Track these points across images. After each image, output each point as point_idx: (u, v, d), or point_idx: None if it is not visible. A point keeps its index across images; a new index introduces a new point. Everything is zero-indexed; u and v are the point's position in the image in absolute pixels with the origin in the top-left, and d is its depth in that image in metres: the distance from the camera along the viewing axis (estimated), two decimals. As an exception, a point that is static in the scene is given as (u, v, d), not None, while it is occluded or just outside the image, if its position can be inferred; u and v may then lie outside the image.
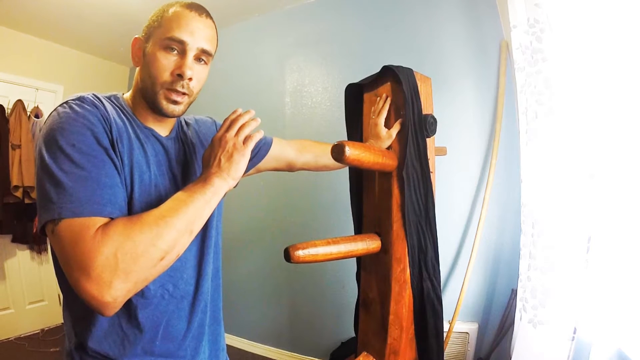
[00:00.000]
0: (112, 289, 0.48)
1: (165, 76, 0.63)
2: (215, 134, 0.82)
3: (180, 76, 0.63)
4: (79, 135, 0.55)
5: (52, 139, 0.53)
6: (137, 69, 0.69)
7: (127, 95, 0.71)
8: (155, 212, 0.55)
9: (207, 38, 0.66)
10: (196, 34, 0.64)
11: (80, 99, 0.59)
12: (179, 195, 0.58)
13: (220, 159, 0.62)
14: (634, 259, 0.96)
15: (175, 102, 0.65)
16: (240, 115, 0.66)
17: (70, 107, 0.57)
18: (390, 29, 2.04)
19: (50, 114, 0.58)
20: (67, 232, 0.49)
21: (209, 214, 0.60)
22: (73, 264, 0.48)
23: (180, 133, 0.77)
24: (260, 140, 0.93)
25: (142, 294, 0.63)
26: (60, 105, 0.58)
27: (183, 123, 0.81)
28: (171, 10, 0.65)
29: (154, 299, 0.65)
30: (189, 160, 0.75)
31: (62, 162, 0.52)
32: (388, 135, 0.90)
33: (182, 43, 0.63)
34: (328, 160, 1.05)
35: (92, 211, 0.51)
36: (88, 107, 0.58)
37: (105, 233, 0.50)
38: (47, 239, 0.54)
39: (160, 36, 0.63)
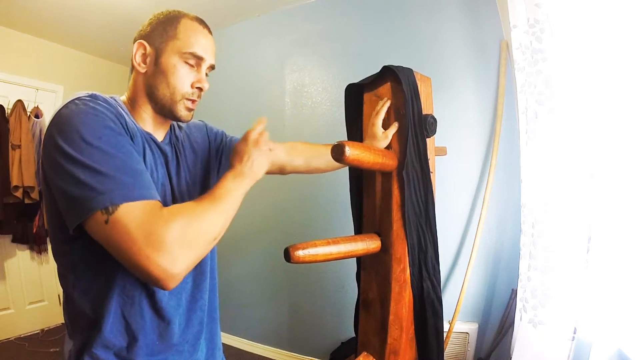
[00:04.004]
0: (180, 262, 0.51)
1: (186, 87, 0.70)
2: (206, 135, 0.89)
3: (200, 89, 0.71)
4: (103, 128, 0.56)
5: (76, 134, 0.53)
6: (139, 73, 0.70)
7: (123, 98, 0.72)
8: (207, 198, 0.60)
9: (215, 54, 0.74)
10: (209, 51, 0.71)
11: (93, 96, 0.60)
12: (221, 186, 0.64)
13: (254, 165, 0.69)
14: (634, 259, 0.96)
15: (190, 109, 0.72)
16: (263, 125, 0.76)
17: (85, 104, 0.57)
18: (390, 29, 2.04)
19: (60, 111, 0.57)
20: (131, 214, 0.51)
21: (239, 205, 0.66)
22: (142, 243, 0.50)
23: (173, 138, 0.79)
24: None
25: (146, 285, 0.65)
26: (72, 102, 0.57)
27: (175, 127, 0.82)
28: (185, 23, 0.69)
29: (158, 292, 0.66)
30: (181, 164, 0.78)
31: (92, 154, 0.53)
32: (384, 136, 0.91)
33: (200, 59, 0.70)
34: (320, 162, 1.04)
35: (143, 195, 0.54)
36: (103, 103, 0.60)
37: (171, 212, 0.54)
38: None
39: (179, 49, 0.68)
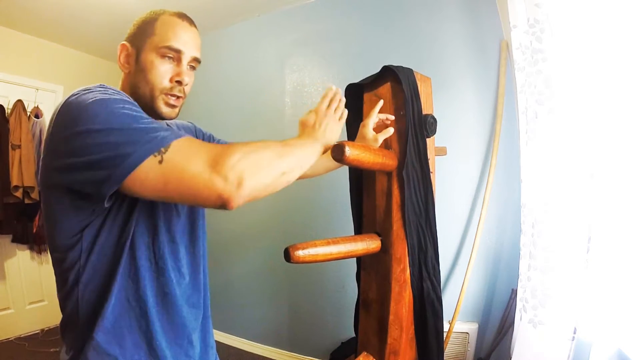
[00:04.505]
0: (244, 180, 0.52)
1: (165, 82, 0.68)
2: (194, 136, 0.88)
3: (179, 82, 0.69)
4: (122, 102, 0.56)
5: (97, 112, 0.52)
6: (125, 74, 0.71)
7: None
8: (276, 141, 0.61)
9: (198, 47, 0.72)
10: (189, 43, 0.69)
11: (102, 86, 0.60)
12: (292, 140, 0.65)
13: (326, 129, 0.72)
14: (634, 259, 0.96)
15: (173, 106, 0.71)
16: (335, 92, 0.77)
17: (96, 88, 0.58)
18: (390, 29, 2.04)
19: (69, 100, 0.56)
20: (185, 146, 0.53)
21: (311, 162, 0.67)
22: (203, 166, 0.51)
23: None
24: None
25: (150, 266, 0.66)
26: (81, 92, 0.57)
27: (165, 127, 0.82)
28: (163, 19, 0.69)
29: (160, 276, 0.67)
30: None
31: (122, 119, 0.53)
32: (374, 138, 0.91)
33: (178, 52, 0.68)
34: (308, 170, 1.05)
35: (186, 135, 0.56)
36: (113, 90, 0.60)
37: (228, 143, 0.56)
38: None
39: (156, 44, 0.67)
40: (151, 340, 0.66)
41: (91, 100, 0.54)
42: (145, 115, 0.57)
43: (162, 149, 0.51)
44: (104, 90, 0.57)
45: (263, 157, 0.55)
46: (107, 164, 0.51)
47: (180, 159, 0.51)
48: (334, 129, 0.73)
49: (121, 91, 0.62)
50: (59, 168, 0.55)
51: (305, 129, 0.73)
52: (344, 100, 0.78)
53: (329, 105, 0.76)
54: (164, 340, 0.68)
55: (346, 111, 0.78)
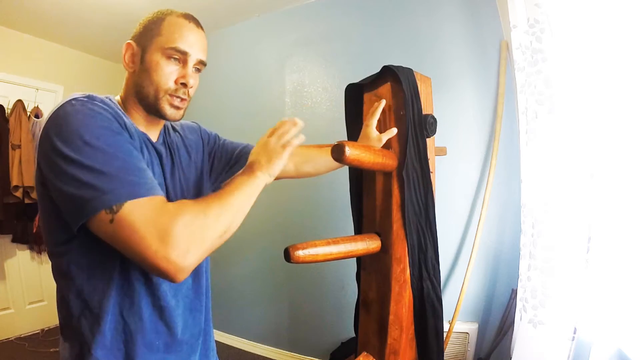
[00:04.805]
0: (189, 255, 0.52)
1: (170, 83, 0.68)
2: (199, 137, 0.89)
3: (184, 85, 0.69)
4: (101, 128, 0.56)
5: (75, 135, 0.53)
6: (129, 73, 0.71)
7: (117, 98, 0.72)
8: (215, 194, 0.61)
9: (204, 49, 0.72)
10: (195, 45, 0.69)
11: (90, 97, 0.60)
12: (232, 182, 0.65)
13: (262, 160, 0.69)
14: (634, 259, 0.96)
15: (177, 108, 0.70)
16: (283, 123, 0.73)
17: (82, 104, 0.57)
18: (390, 29, 2.04)
19: (57, 111, 0.56)
20: (137, 211, 0.51)
21: (253, 201, 0.66)
22: (150, 238, 0.50)
23: (167, 138, 0.79)
24: (242, 149, 0.96)
25: (145, 280, 0.65)
26: (68, 103, 0.57)
27: (169, 128, 0.82)
28: (170, 20, 0.68)
29: (157, 291, 0.66)
30: (175, 165, 0.77)
31: (92, 155, 0.52)
32: (378, 139, 0.90)
33: (184, 54, 0.68)
34: (309, 168, 1.04)
35: (146, 192, 0.54)
36: (100, 104, 0.59)
37: (178, 206, 0.54)
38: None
39: (162, 45, 0.66)
40: (149, 353, 0.66)
41: (73, 123, 0.54)
42: (121, 147, 0.56)
43: (115, 207, 0.51)
44: (91, 108, 0.57)
45: (206, 222, 0.55)
46: (67, 203, 0.53)
47: (128, 225, 0.50)
48: (274, 160, 0.69)
49: (108, 104, 0.61)
50: (47, 173, 0.56)
51: (250, 159, 0.71)
52: (294, 130, 0.71)
53: (271, 134, 0.72)
54: (161, 350, 0.68)
55: (294, 142, 0.70)
